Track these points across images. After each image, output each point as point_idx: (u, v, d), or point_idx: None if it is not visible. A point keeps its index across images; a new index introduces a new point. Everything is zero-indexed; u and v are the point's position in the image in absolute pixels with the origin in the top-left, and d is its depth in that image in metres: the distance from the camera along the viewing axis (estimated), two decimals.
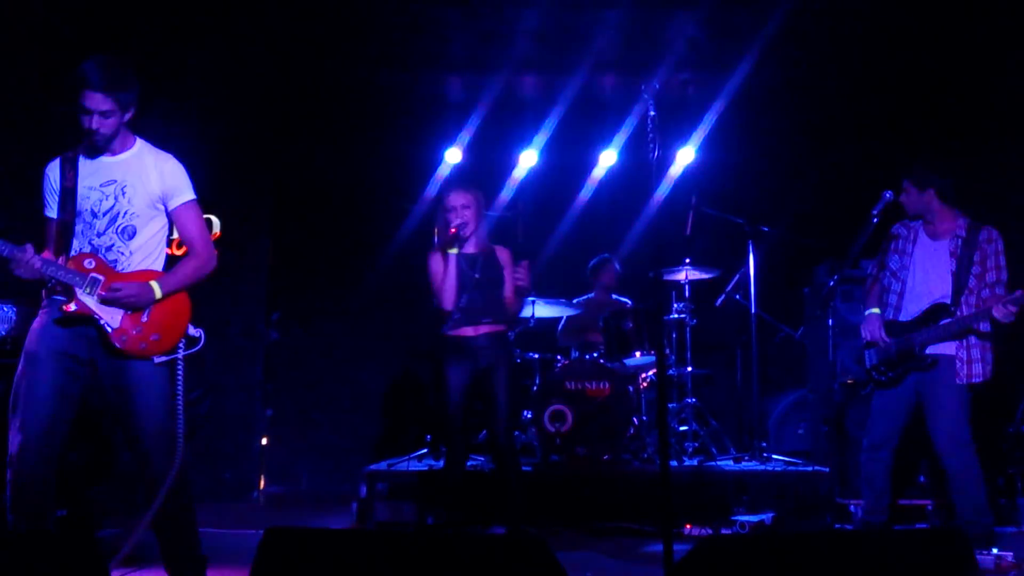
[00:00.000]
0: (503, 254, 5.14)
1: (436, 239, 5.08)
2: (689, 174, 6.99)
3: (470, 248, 5.03)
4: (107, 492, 5.35)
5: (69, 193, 3.63)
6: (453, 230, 4.89)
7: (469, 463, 5.99)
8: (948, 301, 4.65)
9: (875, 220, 4.75)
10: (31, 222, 3.85)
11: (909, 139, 7.00)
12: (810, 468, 5.90)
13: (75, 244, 3.64)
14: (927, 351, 4.64)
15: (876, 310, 4.86)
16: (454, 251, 4.93)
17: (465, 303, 4.93)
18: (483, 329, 4.95)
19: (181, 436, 3.61)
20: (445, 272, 4.94)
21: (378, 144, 7.62)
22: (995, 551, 4.35)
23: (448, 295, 4.93)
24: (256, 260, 6.97)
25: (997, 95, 6.51)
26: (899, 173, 4.84)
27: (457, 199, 4.98)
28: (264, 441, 7.29)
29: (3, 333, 4.81)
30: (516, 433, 6.45)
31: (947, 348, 4.63)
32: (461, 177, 5.22)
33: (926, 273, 4.74)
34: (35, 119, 5.87)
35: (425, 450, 6.57)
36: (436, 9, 6.58)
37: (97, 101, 3.52)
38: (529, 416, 6.37)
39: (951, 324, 4.59)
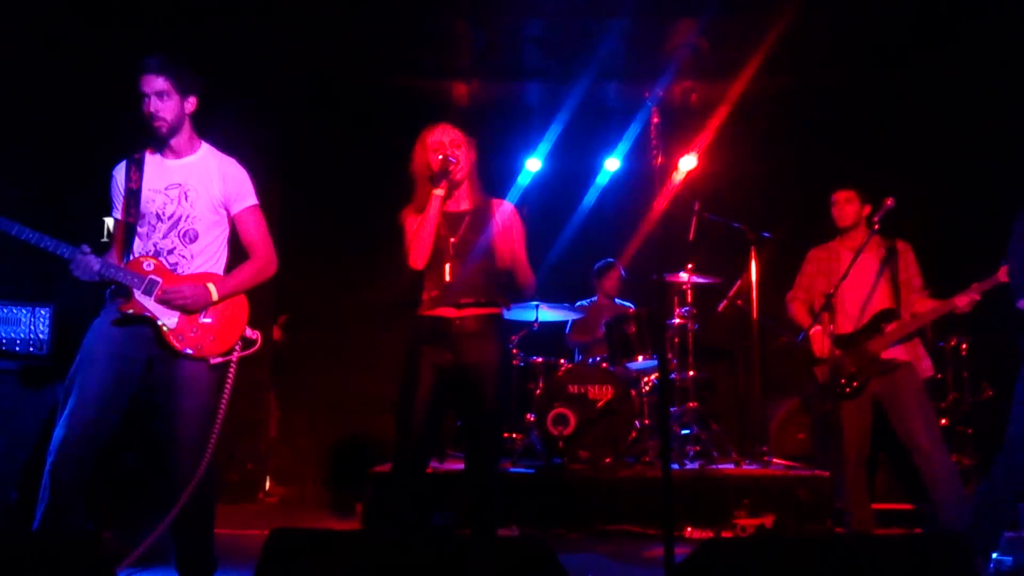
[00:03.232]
0: (503, 211, 3.98)
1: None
2: (692, 181, 7.01)
3: (455, 205, 3.97)
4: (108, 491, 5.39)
5: (133, 195, 3.67)
6: (440, 160, 3.85)
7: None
8: (891, 306, 4.90)
9: (876, 227, 4.81)
10: (82, 222, 3.91)
11: (909, 146, 7.03)
12: (810, 472, 5.92)
13: (138, 246, 3.69)
14: (884, 356, 4.85)
15: (819, 326, 4.99)
16: (439, 192, 3.81)
17: (441, 276, 3.86)
18: (468, 311, 3.84)
19: (215, 441, 3.64)
20: (422, 220, 3.82)
21: (385, 150, 7.64)
22: (995, 555, 4.36)
23: (418, 249, 3.81)
24: None
25: (998, 102, 6.54)
26: (833, 183, 5.13)
27: (444, 134, 3.95)
28: (270, 443, 7.34)
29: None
30: (518, 436, 6.49)
31: (901, 352, 4.87)
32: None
33: (860, 283, 4.98)
34: (77, 123, 5.94)
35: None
36: (443, 18, 6.61)
37: (151, 83, 3.57)
38: (532, 419, 6.41)
39: (904, 325, 4.84)
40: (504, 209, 4.00)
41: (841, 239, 5.13)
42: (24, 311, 4.86)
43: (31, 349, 4.84)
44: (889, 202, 4.77)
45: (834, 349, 4.87)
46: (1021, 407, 4.18)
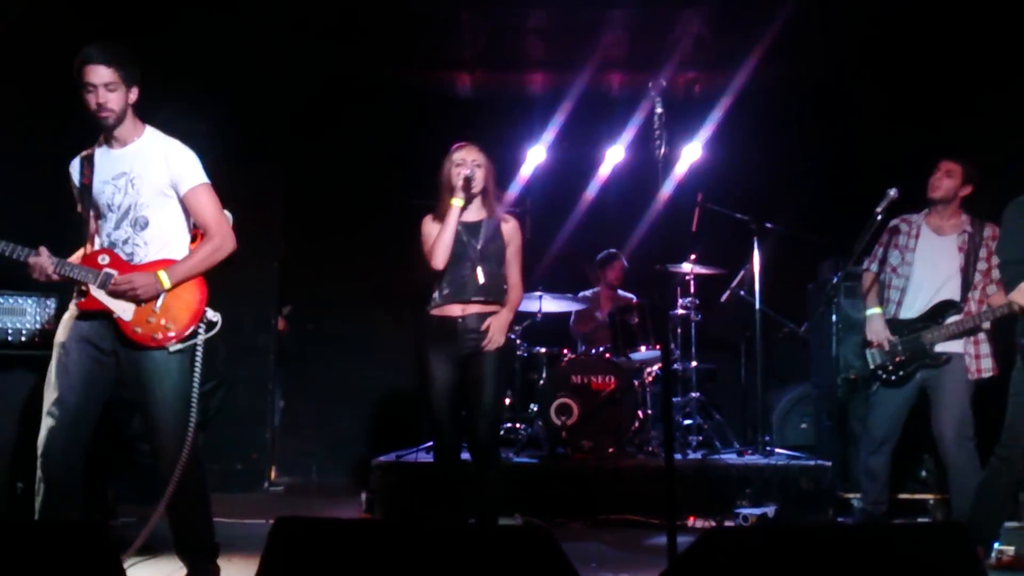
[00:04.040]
0: (509, 225, 4.55)
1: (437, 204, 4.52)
2: (695, 171, 7.02)
3: (472, 216, 4.49)
4: (121, 481, 5.43)
5: (86, 190, 3.69)
6: (460, 174, 4.36)
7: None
8: (956, 297, 4.68)
9: (879, 217, 4.77)
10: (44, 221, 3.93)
11: (914, 137, 7.02)
12: (813, 462, 5.95)
13: (97, 240, 3.72)
14: (938, 348, 4.67)
15: (878, 309, 4.86)
16: (458, 202, 4.38)
17: (456, 276, 4.40)
18: (472, 309, 4.40)
19: (194, 425, 3.65)
20: (443, 226, 4.37)
21: (388, 140, 7.67)
22: (996, 545, 4.37)
23: (440, 252, 4.34)
24: (268, 254, 7.03)
25: (1001, 95, 6.52)
26: (943, 152, 4.79)
27: (468, 154, 4.46)
28: (275, 432, 7.37)
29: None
30: (521, 426, 6.53)
31: (956, 345, 4.67)
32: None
33: (932, 268, 4.76)
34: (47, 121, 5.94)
35: (433, 445, 6.61)
36: (446, 8, 6.62)
37: (100, 74, 3.54)
38: (535, 409, 6.44)
39: (965, 321, 4.62)
40: (511, 226, 4.56)
41: (927, 214, 4.83)
42: (30, 301, 4.88)
43: (37, 339, 4.86)
44: (893, 192, 4.75)
45: (890, 335, 4.77)
46: (1018, 398, 4.18)
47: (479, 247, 4.41)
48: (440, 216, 4.42)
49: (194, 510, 3.77)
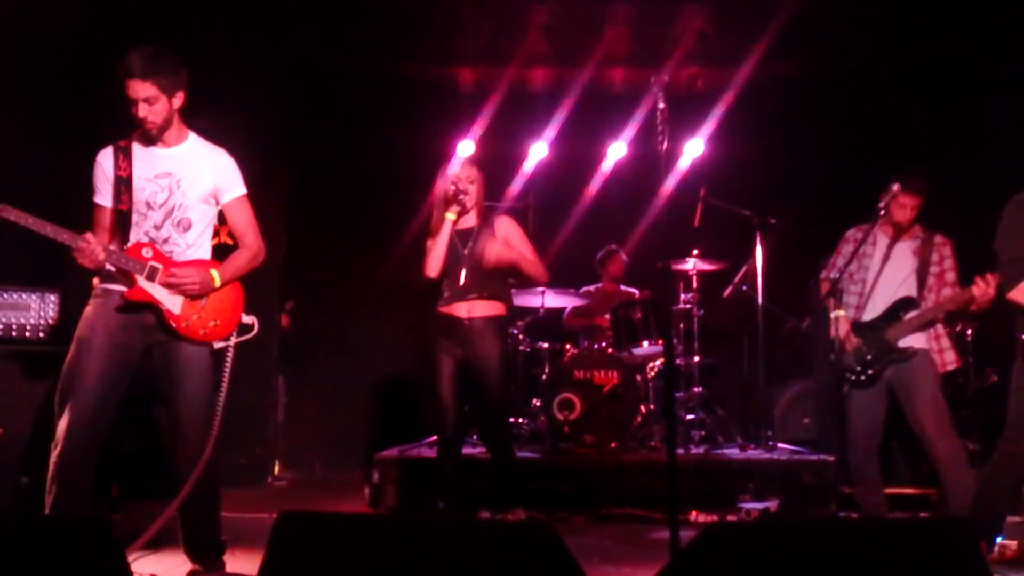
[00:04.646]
0: (502, 223, 4.91)
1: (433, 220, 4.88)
2: (697, 166, 7.02)
3: (465, 224, 4.85)
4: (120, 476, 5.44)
5: (124, 183, 3.67)
6: (454, 190, 4.69)
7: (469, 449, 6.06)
8: (913, 295, 4.82)
9: (881, 212, 4.80)
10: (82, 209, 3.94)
11: (916, 132, 7.03)
12: (815, 456, 5.95)
13: (132, 234, 3.70)
14: (901, 343, 4.79)
15: (843, 312, 4.93)
16: (451, 216, 4.73)
17: (453, 281, 4.76)
18: (475, 309, 4.77)
19: (218, 424, 3.69)
20: (437, 238, 4.75)
21: (392, 137, 7.68)
22: (999, 539, 4.37)
23: (433, 262, 4.74)
24: (271, 250, 7.01)
25: (1004, 91, 6.52)
26: (893, 178, 4.84)
27: (462, 170, 4.84)
28: (279, 427, 7.39)
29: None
30: (524, 421, 6.54)
31: (919, 340, 4.80)
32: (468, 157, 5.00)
33: (890, 271, 4.88)
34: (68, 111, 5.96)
35: (436, 436, 6.63)
36: (449, 4, 6.63)
37: (139, 88, 3.55)
38: (538, 404, 6.44)
39: (924, 314, 4.75)
40: (503, 222, 4.90)
41: (881, 223, 4.92)
42: (33, 297, 4.88)
43: (40, 335, 4.86)
44: (896, 187, 4.77)
45: (853, 335, 4.84)
46: (1019, 394, 4.20)
47: (468, 252, 4.77)
48: (435, 229, 4.76)
49: (207, 507, 3.80)
